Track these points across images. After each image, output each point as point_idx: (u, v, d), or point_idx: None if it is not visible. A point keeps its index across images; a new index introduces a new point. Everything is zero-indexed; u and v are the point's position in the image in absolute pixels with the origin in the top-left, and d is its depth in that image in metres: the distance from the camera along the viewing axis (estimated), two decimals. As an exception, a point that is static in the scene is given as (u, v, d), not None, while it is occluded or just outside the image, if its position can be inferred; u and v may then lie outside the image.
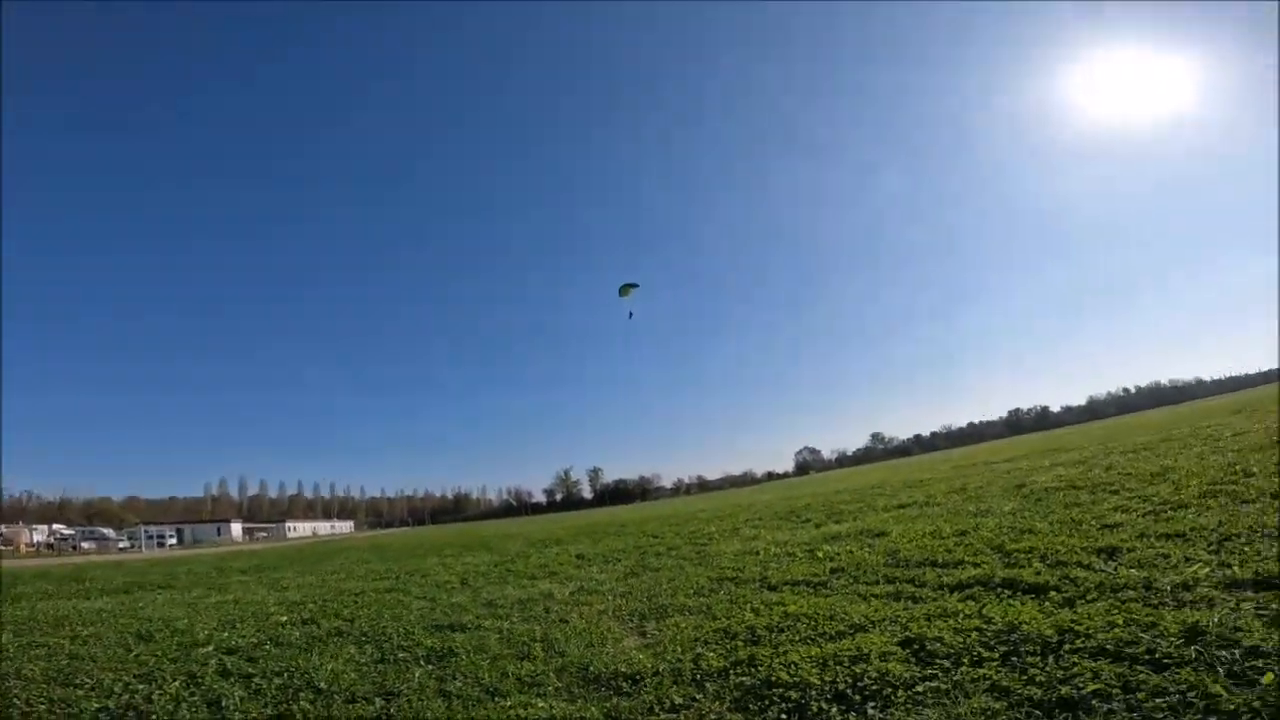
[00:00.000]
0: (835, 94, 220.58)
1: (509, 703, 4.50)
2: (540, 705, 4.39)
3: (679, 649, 5.31)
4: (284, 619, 8.37)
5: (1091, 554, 6.12)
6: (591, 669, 5.08)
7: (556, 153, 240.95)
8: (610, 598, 8.11)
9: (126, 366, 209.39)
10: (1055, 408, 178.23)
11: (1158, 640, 3.84)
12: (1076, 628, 4.24)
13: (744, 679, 4.40)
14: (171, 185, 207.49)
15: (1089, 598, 4.89)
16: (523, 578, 11.12)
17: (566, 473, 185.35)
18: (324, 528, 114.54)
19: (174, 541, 66.44)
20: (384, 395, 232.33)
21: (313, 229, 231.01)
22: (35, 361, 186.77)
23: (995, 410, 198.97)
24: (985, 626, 4.60)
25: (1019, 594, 5.36)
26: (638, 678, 4.75)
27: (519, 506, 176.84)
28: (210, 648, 6.75)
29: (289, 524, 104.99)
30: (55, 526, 65.79)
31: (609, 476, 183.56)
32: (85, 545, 54.11)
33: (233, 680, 5.58)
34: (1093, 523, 7.59)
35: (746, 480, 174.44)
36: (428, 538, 36.54)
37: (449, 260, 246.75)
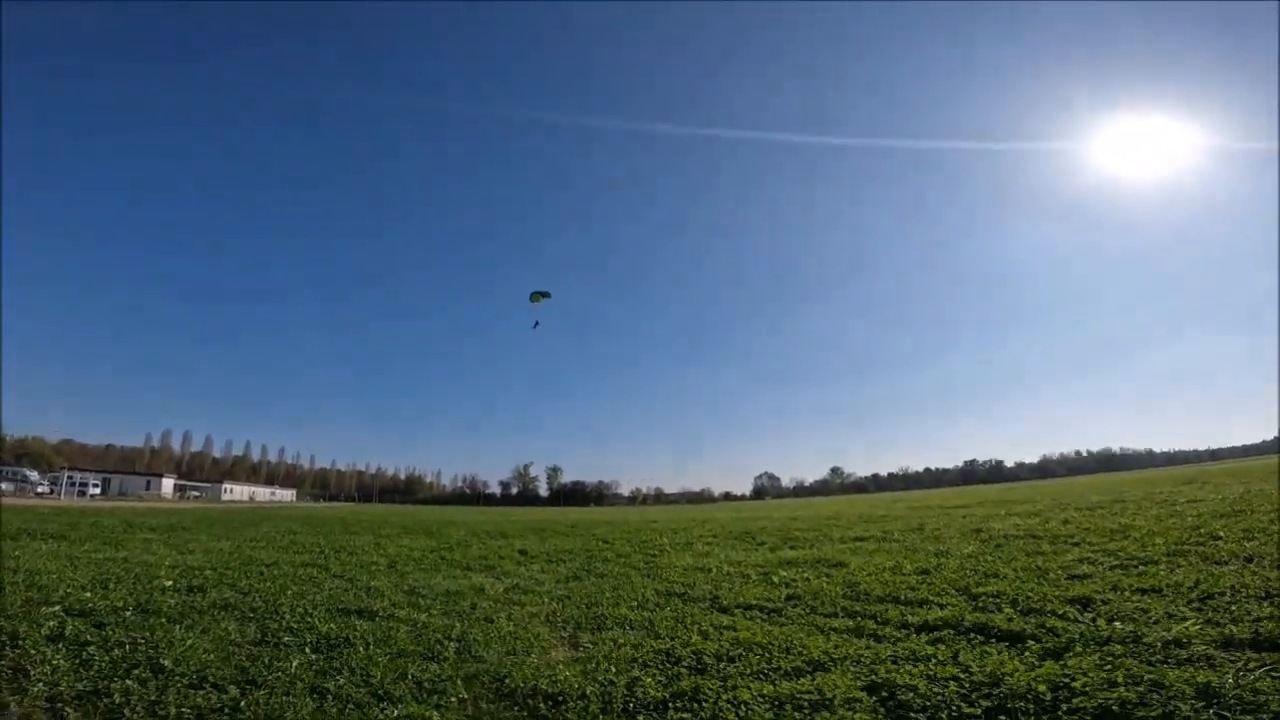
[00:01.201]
0: (826, 127, 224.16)
1: (397, 712, 3.72)
2: (434, 720, 3.62)
3: (613, 669, 4.60)
4: (168, 584, 7.40)
5: (1064, 603, 5.84)
6: (508, 681, 4.33)
7: (565, 156, 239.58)
8: (546, 600, 7.39)
9: (87, 302, 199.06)
10: (1009, 462, 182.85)
11: (1173, 701, 3.44)
12: (1071, 684, 3.82)
13: (684, 716, 3.72)
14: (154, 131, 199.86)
15: (1075, 650, 4.52)
16: (457, 568, 10.32)
17: (525, 468, 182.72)
18: (263, 493, 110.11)
19: (97, 491, 62.44)
20: (347, 366, 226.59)
21: (299, 188, 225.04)
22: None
23: (952, 459, 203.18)
24: (964, 676, 4.14)
25: (992, 641, 4.98)
26: (560, 699, 4.03)
27: (472, 495, 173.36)
28: (57, 608, 5.78)
29: (226, 485, 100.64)
30: (-21, 463, 61.67)
31: (567, 477, 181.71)
32: (2, 486, 50.47)
33: (60, 646, 4.71)
34: (1059, 572, 7.39)
35: (704, 497, 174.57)
36: (368, 515, 35.07)
37: (435, 246, 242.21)
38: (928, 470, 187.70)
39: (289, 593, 7.26)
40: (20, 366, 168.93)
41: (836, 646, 5.04)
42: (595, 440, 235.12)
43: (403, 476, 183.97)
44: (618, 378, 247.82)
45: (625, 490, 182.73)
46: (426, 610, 6.62)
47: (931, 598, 6.58)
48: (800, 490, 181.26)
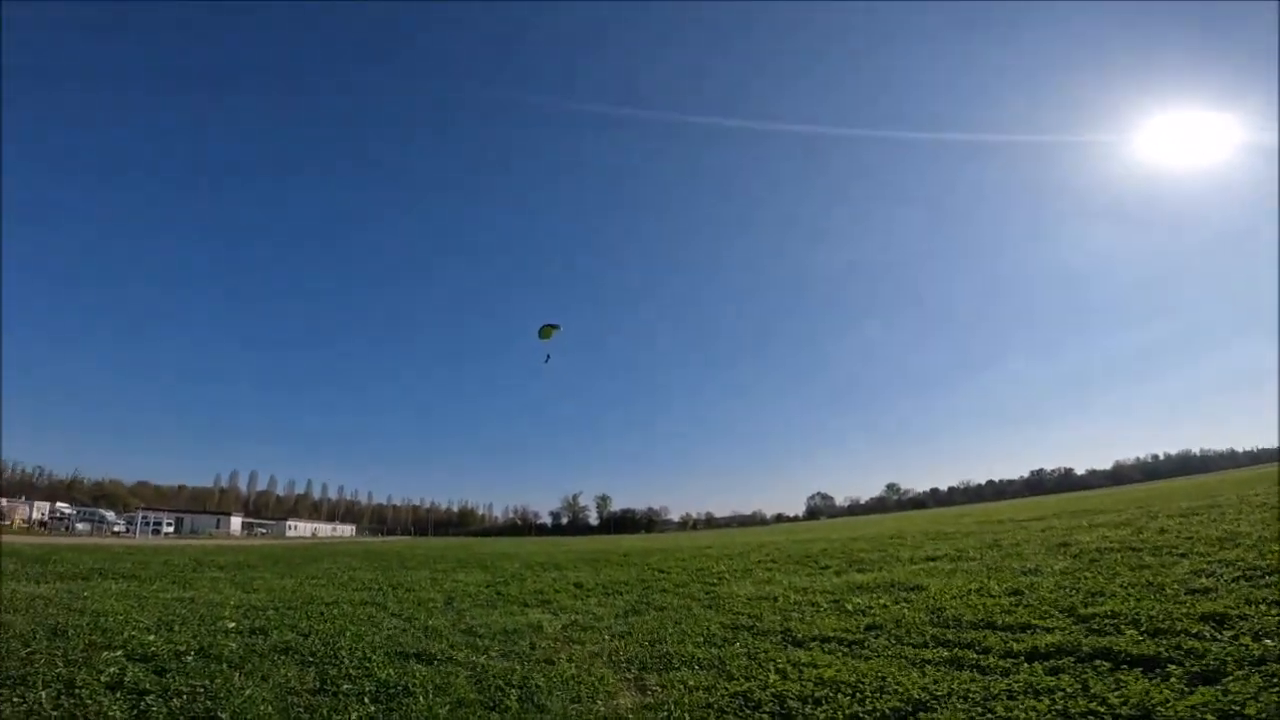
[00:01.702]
0: (864, 144, 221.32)
1: (461, 773, 3.42)
2: (502, 781, 3.31)
3: (686, 716, 4.21)
4: (231, 625, 7.38)
5: (1195, 621, 5.31)
6: (574, 733, 3.99)
7: (605, 177, 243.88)
8: (607, 638, 7.07)
9: (161, 354, 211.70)
10: (1080, 469, 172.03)
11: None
12: (1242, 711, 3.41)
13: (775, 771, 3.30)
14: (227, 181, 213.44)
15: (1230, 673, 4.05)
16: (513, 604, 10.09)
17: (574, 497, 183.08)
18: (325, 529, 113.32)
19: (170, 529, 65.26)
20: (402, 406, 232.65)
21: (355, 236, 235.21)
22: (70, 343, 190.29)
23: (1016, 469, 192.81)
24: (1104, 710, 3.70)
25: (1123, 667, 4.51)
26: (633, 753, 3.66)
27: (523, 526, 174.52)
28: (119, 652, 5.74)
29: (290, 523, 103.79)
30: (58, 505, 65.11)
31: (617, 505, 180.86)
32: (80, 526, 53.15)
33: (119, 695, 4.60)
34: (1176, 586, 6.83)
35: (755, 520, 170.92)
36: (424, 549, 35.46)
37: (483, 281, 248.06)
38: (990, 482, 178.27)
39: (348, 634, 7.14)
40: (98, 413, 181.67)
41: (935, 682, 4.58)
42: (643, 467, 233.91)
43: (455, 510, 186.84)
44: (664, 403, 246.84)
45: (675, 516, 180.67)
46: (485, 651, 6.37)
47: (1033, 621, 6.08)
48: (856, 509, 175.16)
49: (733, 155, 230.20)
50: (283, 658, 5.91)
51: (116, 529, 55.58)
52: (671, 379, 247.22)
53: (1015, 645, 5.29)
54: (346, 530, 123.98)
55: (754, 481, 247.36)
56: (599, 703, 4.68)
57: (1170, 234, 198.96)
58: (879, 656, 5.50)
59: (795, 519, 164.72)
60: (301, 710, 4.40)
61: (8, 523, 46.87)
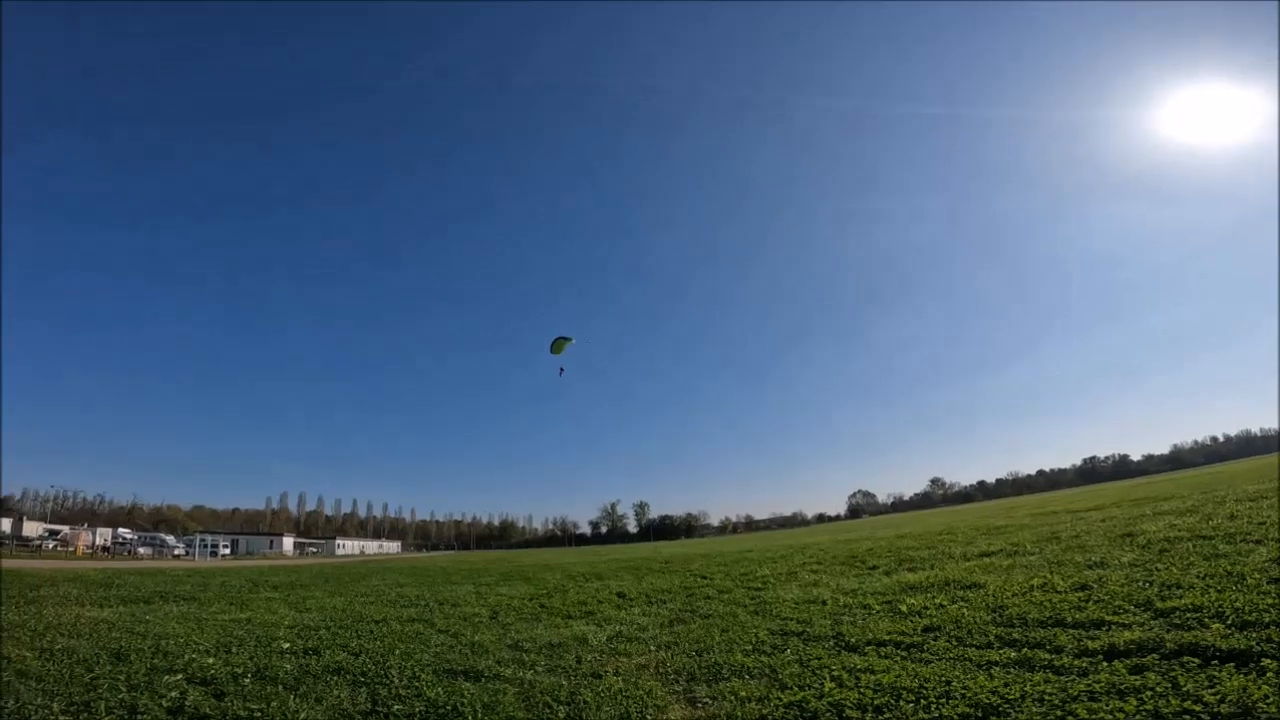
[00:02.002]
0: (890, 133, 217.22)
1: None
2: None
3: (742, 730, 4.05)
4: (286, 646, 7.50)
5: None
6: (626, 750, 3.88)
7: (627, 188, 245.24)
8: (652, 648, 6.94)
9: (209, 385, 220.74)
10: (1136, 455, 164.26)
11: None
12: None
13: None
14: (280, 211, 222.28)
15: None
16: (557, 616, 10.05)
17: (613, 506, 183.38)
18: (372, 546, 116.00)
19: (227, 551, 67.49)
20: (442, 424, 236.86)
21: (385, 269, 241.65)
22: (131, 375, 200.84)
23: (1068, 457, 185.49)
24: (1200, 709, 3.46)
25: (1213, 663, 4.23)
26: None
27: (563, 536, 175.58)
28: (179, 676, 5.84)
29: (339, 541, 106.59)
30: (120, 530, 67.78)
31: (655, 511, 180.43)
32: (142, 550, 55.07)
33: None
34: (1257, 575, 6.45)
35: (796, 521, 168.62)
36: (468, 563, 35.86)
37: (519, 299, 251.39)
38: (1041, 472, 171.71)
39: (397, 652, 7.17)
40: (159, 444, 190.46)
41: (1006, 685, 4.33)
42: (680, 473, 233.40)
43: (496, 523, 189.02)
44: (699, 408, 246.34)
45: (714, 520, 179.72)
46: (531, 667, 6.30)
47: (1107, 618, 5.77)
48: (900, 505, 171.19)
49: (745, 149, 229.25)
50: (335, 678, 5.94)
51: (177, 552, 57.46)
52: (705, 383, 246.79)
53: (1090, 643, 5.00)
54: (393, 547, 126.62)
55: (793, 482, 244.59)
56: (648, 717, 4.56)
57: (1202, 209, 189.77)
58: (940, 660, 5.25)
59: (837, 518, 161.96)
60: (354, 732, 4.39)
61: (72, 549, 48.96)
